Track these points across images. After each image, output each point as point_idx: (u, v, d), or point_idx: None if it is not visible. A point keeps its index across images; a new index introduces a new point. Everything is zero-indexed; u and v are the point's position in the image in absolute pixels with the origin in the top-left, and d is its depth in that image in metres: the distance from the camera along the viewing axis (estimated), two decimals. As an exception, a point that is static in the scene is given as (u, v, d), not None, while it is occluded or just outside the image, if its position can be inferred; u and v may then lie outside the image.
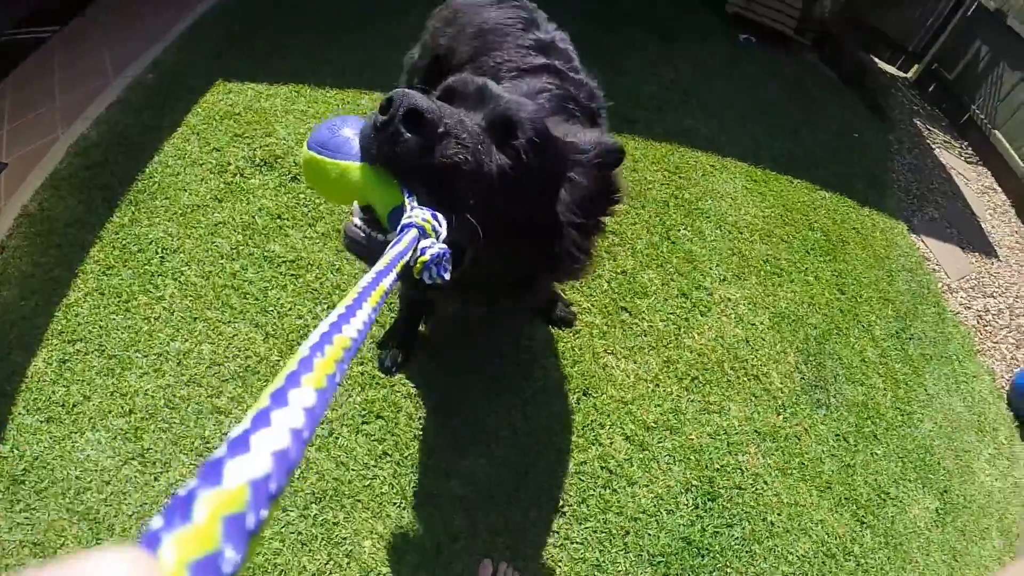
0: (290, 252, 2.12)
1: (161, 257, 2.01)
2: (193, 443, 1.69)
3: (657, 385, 2.15)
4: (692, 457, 2.03)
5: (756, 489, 2.05)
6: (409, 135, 0.76)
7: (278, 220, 2.19)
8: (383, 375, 1.93)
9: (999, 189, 4.07)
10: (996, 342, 3.00)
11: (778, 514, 2.03)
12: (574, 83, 1.47)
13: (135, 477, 1.62)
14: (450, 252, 0.72)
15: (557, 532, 1.78)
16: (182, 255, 2.03)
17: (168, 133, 2.32)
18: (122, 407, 1.72)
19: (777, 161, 3.25)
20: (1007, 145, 4.03)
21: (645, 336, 2.26)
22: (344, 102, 2.62)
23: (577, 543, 1.78)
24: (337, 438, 1.78)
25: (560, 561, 1.74)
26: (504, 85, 1.36)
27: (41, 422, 1.67)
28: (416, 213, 0.72)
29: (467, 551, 1.67)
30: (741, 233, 2.77)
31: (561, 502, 1.83)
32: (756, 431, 2.17)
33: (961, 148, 4.36)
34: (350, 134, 0.82)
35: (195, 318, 1.90)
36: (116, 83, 2.50)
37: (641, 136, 3.00)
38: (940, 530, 2.25)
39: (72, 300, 1.88)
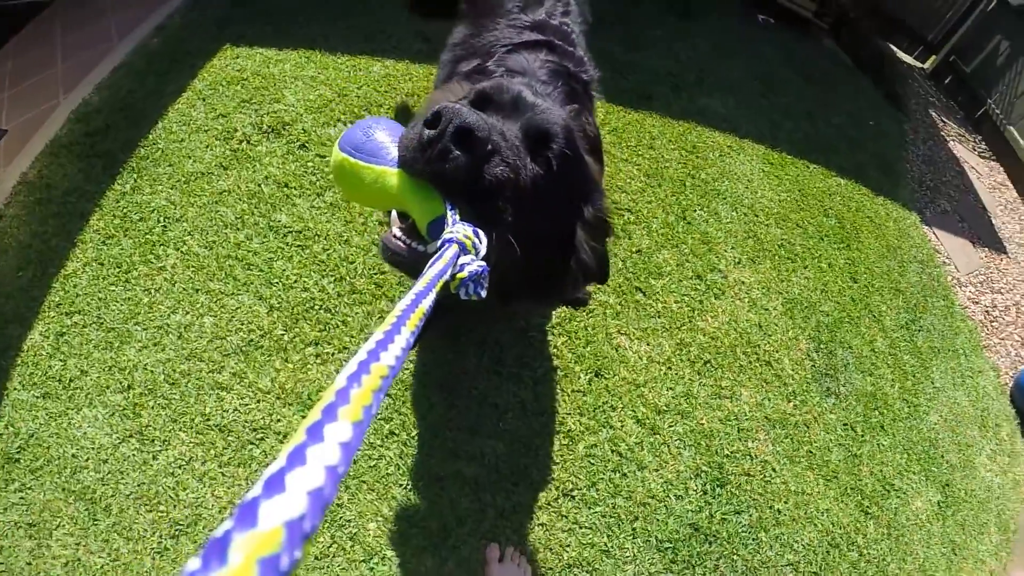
0: (297, 222, 2.05)
1: (163, 226, 1.93)
2: (193, 420, 1.63)
3: (670, 368, 2.12)
4: (703, 442, 2.01)
5: (764, 476, 2.04)
6: (459, 152, 0.74)
7: (285, 189, 2.11)
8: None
9: (1011, 186, 4.03)
10: (1002, 338, 2.99)
11: (785, 502, 2.02)
12: (571, 58, 1.46)
13: (133, 456, 1.57)
14: (488, 270, 0.70)
15: (566, 516, 1.76)
16: (185, 224, 1.95)
17: (173, 99, 2.22)
18: (120, 382, 1.66)
19: (793, 144, 3.19)
20: (1021, 142, 3.98)
21: (659, 317, 2.22)
22: (356, 69, 2.52)
23: (586, 528, 1.76)
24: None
25: (568, 546, 1.72)
26: (500, 59, 1.37)
27: (37, 398, 1.62)
28: (458, 229, 0.70)
29: (474, 534, 1.65)
30: (757, 216, 2.72)
31: (571, 485, 1.80)
32: (766, 418, 2.15)
33: (975, 142, 4.30)
34: (385, 139, 0.80)
35: (197, 290, 1.83)
36: (120, 48, 2.39)
37: (658, 113, 2.92)
38: (941, 523, 2.26)
39: (70, 271, 1.81)
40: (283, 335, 1.81)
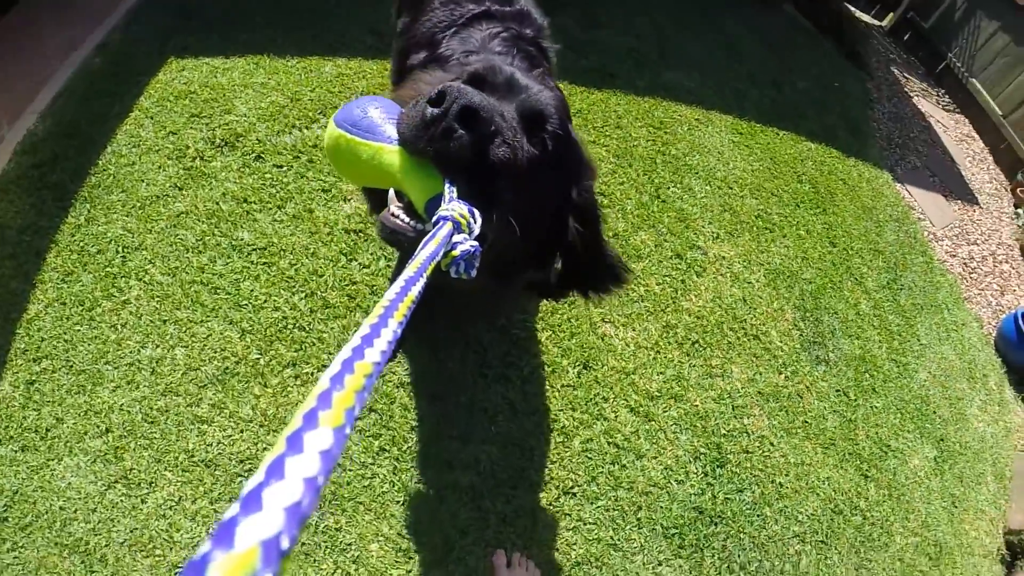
0: (260, 238, 1.96)
1: (122, 257, 1.83)
2: (177, 458, 1.56)
3: (658, 352, 2.09)
4: (698, 424, 1.99)
5: (763, 451, 2.03)
6: (463, 132, 0.74)
7: (244, 204, 2.02)
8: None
9: (976, 137, 4.08)
10: (981, 289, 3.03)
11: (786, 475, 2.02)
12: (516, 18, 1.44)
13: (121, 501, 1.50)
14: (480, 250, 0.70)
15: (569, 514, 1.72)
16: (144, 252, 1.86)
17: (120, 120, 2.11)
18: (98, 426, 1.57)
19: (761, 113, 3.17)
20: (985, 94, 4.02)
21: (642, 302, 2.18)
22: (307, 71, 2.42)
23: (590, 524, 1.73)
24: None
25: (574, 544, 1.69)
26: (448, 43, 1.35)
27: (16, 451, 1.52)
28: (454, 206, 0.69)
29: (478, 543, 1.61)
30: (731, 189, 2.70)
31: (570, 483, 1.77)
32: (759, 392, 2.14)
33: (938, 96, 4.34)
34: (382, 116, 0.80)
35: (164, 320, 1.75)
36: (61, 72, 2.25)
37: (623, 91, 2.87)
38: (939, 478, 2.28)
39: (33, 314, 1.71)
40: (259, 359, 1.74)
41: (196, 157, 2.08)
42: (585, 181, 1.08)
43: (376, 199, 1.09)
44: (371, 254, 2.00)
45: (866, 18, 4.84)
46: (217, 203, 2.00)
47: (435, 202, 0.73)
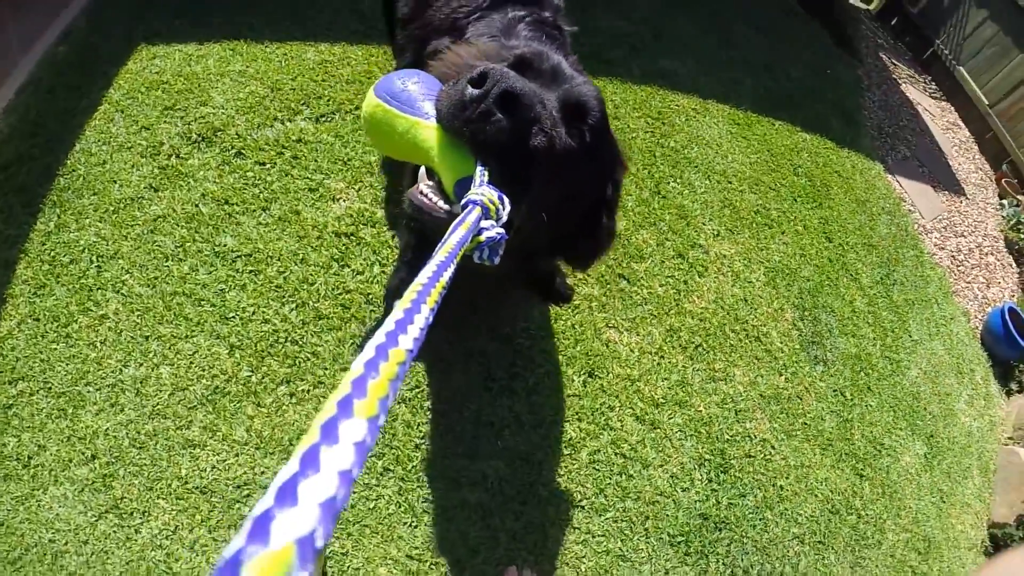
0: (245, 244, 1.84)
1: (97, 267, 1.70)
2: (170, 485, 1.47)
3: (662, 357, 2.06)
4: (703, 430, 1.98)
5: (765, 455, 2.04)
6: (501, 116, 0.73)
7: (226, 206, 1.89)
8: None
9: (962, 125, 4.11)
10: (968, 282, 3.08)
11: (786, 478, 2.03)
12: (536, 1, 1.40)
13: (114, 532, 1.41)
14: (506, 238, 0.68)
15: (578, 528, 1.70)
16: (121, 261, 1.72)
17: (88, 115, 1.93)
18: (83, 453, 1.47)
19: (757, 101, 3.12)
20: (972, 83, 4.03)
21: (645, 304, 2.14)
22: (288, 57, 2.26)
23: (599, 536, 1.71)
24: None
25: (584, 557, 1.67)
26: (475, 28, 1.31)
27: None
28: (484, 191, 0.68)
29: (489, 562, 1.57)
30: (730, 183, 2.66)
31: (579, 496, 1.74)
32: (761, 395, 2.14)
33: (925, 83, 4.35)
34: (421, 91, 0.79)
35: (146, 336, 1.63)
36: (24, 63, 2.04)
37: (619, 79, 2.77)
38: (929, 474, 2.33)
39: (5, 331, 1.57)
40: (250, 376, 1.64)
41: (171, 154, 1.93)
42: (617, 177, 1.09)
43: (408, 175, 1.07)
44: (365, 260, 1.90)
45: (853, 1, 4.79)
46: (196, 205, 1.86)
47: (464, 184, 0.72)
